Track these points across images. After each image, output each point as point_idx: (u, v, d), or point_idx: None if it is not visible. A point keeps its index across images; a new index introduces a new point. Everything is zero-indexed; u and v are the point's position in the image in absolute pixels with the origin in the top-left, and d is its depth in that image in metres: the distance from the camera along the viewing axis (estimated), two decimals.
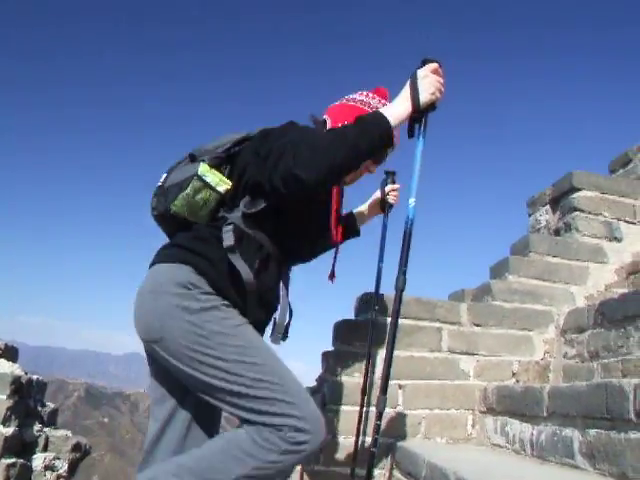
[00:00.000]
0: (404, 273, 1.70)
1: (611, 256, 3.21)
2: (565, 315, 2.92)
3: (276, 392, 1.46)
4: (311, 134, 1.60)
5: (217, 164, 1.69)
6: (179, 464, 1.47)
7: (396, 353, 2.75)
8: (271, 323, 1.77)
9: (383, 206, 2.32)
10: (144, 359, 1.71)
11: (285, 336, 1.76)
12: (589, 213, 3.24)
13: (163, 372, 1.61)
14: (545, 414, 2.14)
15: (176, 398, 1.62)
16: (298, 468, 2.51)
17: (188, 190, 1.63)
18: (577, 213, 3.23)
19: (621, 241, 3.26)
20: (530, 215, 3.75)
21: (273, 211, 1.61)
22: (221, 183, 1.65)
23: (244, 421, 1.47)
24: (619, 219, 3.29)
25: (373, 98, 1.89)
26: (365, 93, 1.92)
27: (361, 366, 2.57)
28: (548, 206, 3.55)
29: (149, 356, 1.64)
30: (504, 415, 2.49)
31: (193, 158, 1.71)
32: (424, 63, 1.64)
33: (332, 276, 1.97)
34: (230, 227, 1.59)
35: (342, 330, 2.71)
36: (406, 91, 1.60)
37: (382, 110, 1.58)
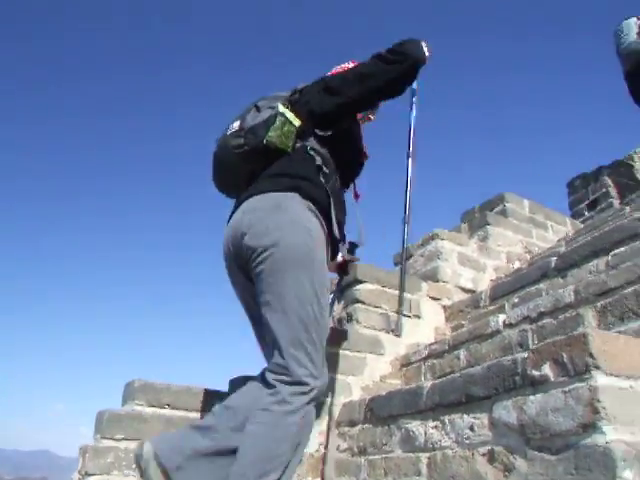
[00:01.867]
0: None
1: (387, 347, 3.33)
2: (340, 407, 2.94)
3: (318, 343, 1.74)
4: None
5: (287, 106, 2.07)
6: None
7: None
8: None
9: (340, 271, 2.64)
10: None
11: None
12: (369, 305, 3.36)
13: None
14: None
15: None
16: None
17: (277, 123, 1.99)
18: (359, 305, 3.33)
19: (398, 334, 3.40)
20: None
21: (334, 137, 2.07)
22: (295, 119, 2.02)
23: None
24: (397, 312, 3.44)
25: None
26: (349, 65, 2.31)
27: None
28: (334, 294, 3.63)
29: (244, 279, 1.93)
30: None
31: (258, 108, 2.07)
32: None
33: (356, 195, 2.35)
34: (313, 151, 2.00)
35: (104, 422, 2.46)
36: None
37: None
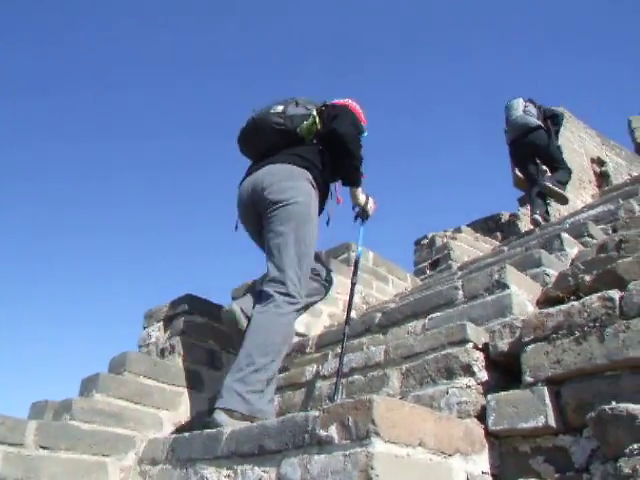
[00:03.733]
0: None
1: (208, 384, 3.23)
2: (146, 443, 2.79)
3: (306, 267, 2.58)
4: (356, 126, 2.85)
5: (318, 112, 2.85)
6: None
7: None
8: None
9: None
10: None
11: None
12: (196, 339, 3.26)
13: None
14: None
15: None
16: None
17: (310, 121, 2.79)
18: (184, 337, 3.22)
19: (220, 370, 3.32)
20: (145, 328, 3.65)
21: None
22: (320, 123, 2.81)
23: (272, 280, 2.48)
24: (222, 349, 3.37)
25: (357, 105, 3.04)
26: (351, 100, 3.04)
27: None
28: (162, 323, 3.49)
29: (255, 220, 2.72)
30: None
31: (297, 103, 2.83)
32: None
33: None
34: (321, 149, 2.77)
35: None
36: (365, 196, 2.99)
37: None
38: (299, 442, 1.67)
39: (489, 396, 1.82)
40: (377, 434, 1.44)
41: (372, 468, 1.39)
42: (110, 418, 2.75)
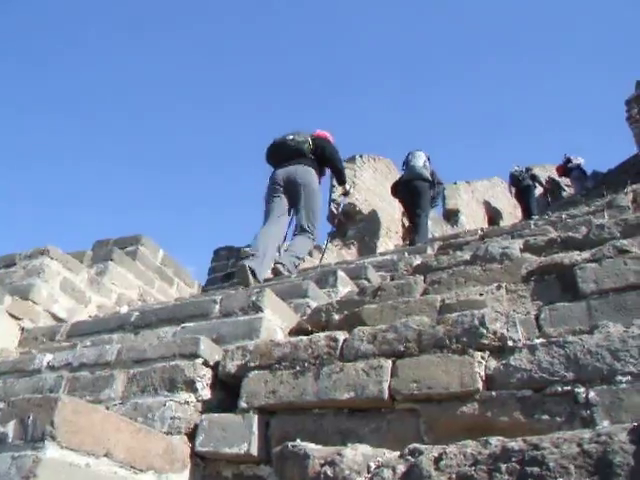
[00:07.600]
0: None
1: None
2: None
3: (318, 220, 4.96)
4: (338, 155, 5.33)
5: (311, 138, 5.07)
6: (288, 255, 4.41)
7: None
8: None
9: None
10: None
11: None
12: None
13: (286, 197, 4.76)
14: None
15: (287, 207, 4.77)
16: None
17: (306, 144, 4.92)
18: None
19: None
20: None
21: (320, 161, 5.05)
22: (311, 145, 4.95)
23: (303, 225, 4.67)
24: None
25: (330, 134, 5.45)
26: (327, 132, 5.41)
27: None
28: None
29: (285, 191, 4.76)
30: None
31: (299, 134, 4.99)
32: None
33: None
34: (314, 160, 4.99)
35: None
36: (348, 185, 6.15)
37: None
38: None
39: (203, 416, 1.78)
40: (53, 437, 1.32)
41: (35, 475, 1.26)
42: None
